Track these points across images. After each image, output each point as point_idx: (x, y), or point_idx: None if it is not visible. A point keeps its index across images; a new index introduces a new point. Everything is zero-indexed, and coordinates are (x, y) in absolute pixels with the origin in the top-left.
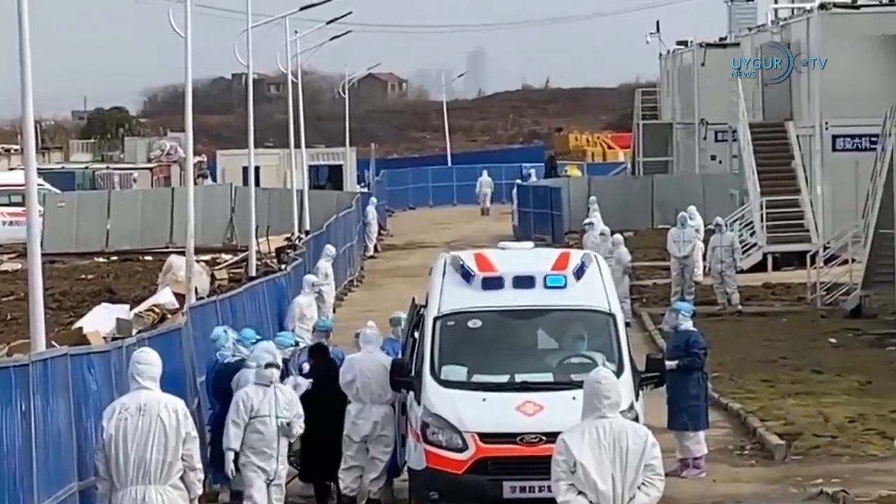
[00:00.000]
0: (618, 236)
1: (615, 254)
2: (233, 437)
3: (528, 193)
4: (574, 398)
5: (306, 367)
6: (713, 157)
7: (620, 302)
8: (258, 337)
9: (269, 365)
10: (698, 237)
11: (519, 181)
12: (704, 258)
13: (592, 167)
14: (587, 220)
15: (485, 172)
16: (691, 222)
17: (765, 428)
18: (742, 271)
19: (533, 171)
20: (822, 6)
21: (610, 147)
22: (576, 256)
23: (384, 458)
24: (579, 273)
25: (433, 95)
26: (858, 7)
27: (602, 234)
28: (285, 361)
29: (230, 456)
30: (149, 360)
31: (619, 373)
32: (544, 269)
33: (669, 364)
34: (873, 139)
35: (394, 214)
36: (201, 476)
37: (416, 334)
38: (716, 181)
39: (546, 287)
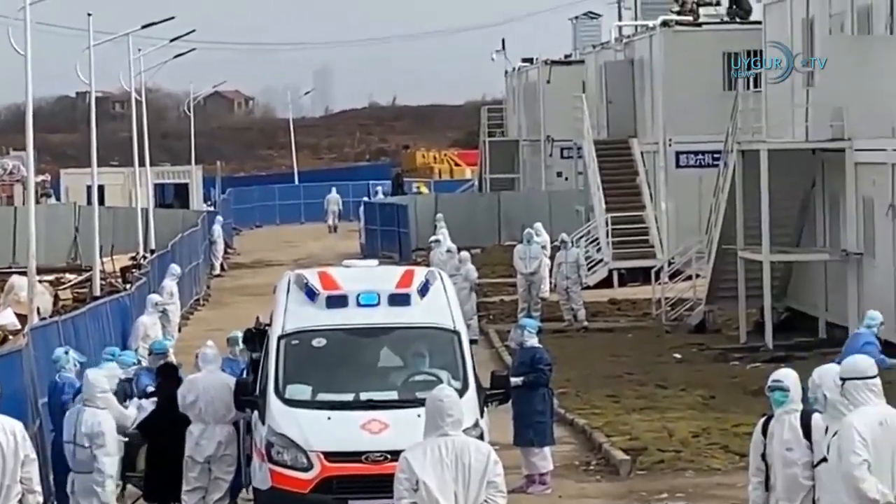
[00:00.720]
0: (465, 253)
1: (462, 271)
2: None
3: (375, 211)
4: (419, 416)
5: (150, 388)
6: (559, 174)
7: (468, 319)
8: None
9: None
10: (545, 253)
11: (366, 199)
12: (551, 274)
13: (439, 184)
14: (434, 238)
15: (333, 190)
16: (537, 239)
17: (610, 443)
18: (588, 287)
19: (380, 188)
20: (664, 24)
21: (457, 164)
22: (420, 274)
23: (228, 477)
24: (423, 290)
25: (280, 113)
26: (700, 25)
27: (449, 251)
28: (128, 381)
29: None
30: None
31: (463, 390)
32: (388, 286)
33: (515, 380)
34: (716, 155)
35: (241, 233)
36: (40, 499)
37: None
38: (562, 198)
39: (390, 305)
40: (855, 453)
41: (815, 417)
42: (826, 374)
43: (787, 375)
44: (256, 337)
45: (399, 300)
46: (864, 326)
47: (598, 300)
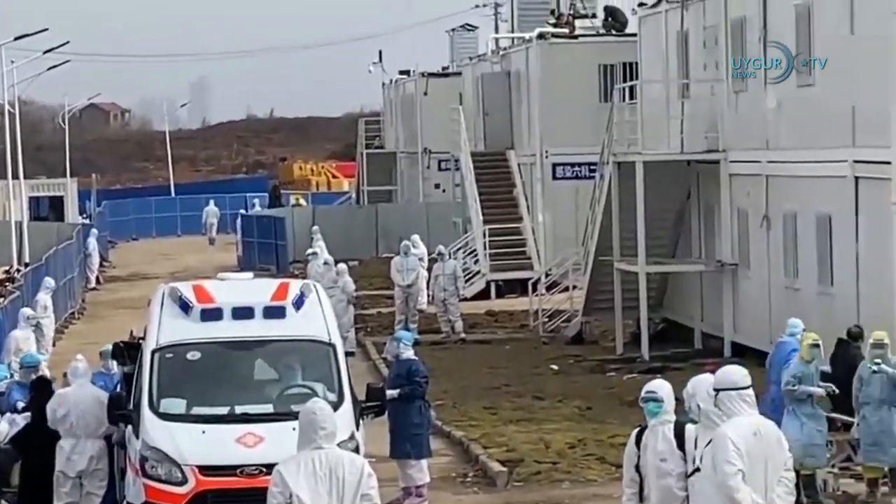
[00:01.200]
0: (342, 265)
1: (339, 283)
2: None
3: (252, 223)
4: (294, 429)
5: (21, 403)
6: (437, 186)
7: (344, 332)
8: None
9: None
10: (422, 265)
11: (243, 211)
12: (428, 286)
13: (317, 196)
14: (311, 250)
15: (211, 202)
16: (415, 251)
17: (487, 455)
18: (465, 299)
19: (257, 200)
20: (541, 36)
21: (334, 176)
22: (295, 286)
23: (100, 492)
24: (299, 303)
25: (156, 125)
26: (576, 37)
27: (326, 263)
28: (0, 395)
29: None
30: None
31: (339, 403)
32: (263, 299)
33: (391, 393)
34: (592, 167)
35: (116, 245)
36: None
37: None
38: (439, 210)
39: (265, 317)
40: (730, 463)
41: (689, 428)
42: (700, 384)
43: (660, 386)
44: (126, 350)
45: (274, 313)
46: (787, 335)
47: (476, 312)
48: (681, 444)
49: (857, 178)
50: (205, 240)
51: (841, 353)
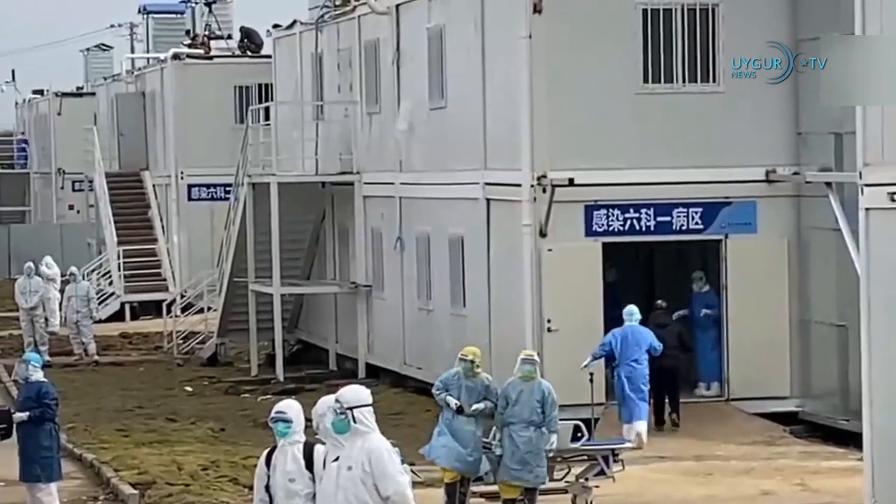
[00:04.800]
0: None
1: None
2: None
3: None
4: None
5: None
6: (71, 207)
7: None
8: None
9: None
10: (55, 287)
11: None
12: (61, 308)
13: None
14: None
15: None
16: (48, 272)
17: (118, 478)
18: (100, 321)
19: None
20: (175, 56)
21: None
22: None
23: None
24: None
25: None
26: (212, 58)
27: None
28: None
29: None
30: None
31: None
32: None
33: (20, 416)
34: (228, 188)
35: None
36: None
37: None
38: (74, 231)
39: None
40: (403, 473)
41: (318, 448)
42: (328, 405)
43: (289, 406)
44: None
45: None
46: (634, 321)
47: (110, 334)
48: (309, 464)
49: (488, 201)
50: None
51: (653, 318)
